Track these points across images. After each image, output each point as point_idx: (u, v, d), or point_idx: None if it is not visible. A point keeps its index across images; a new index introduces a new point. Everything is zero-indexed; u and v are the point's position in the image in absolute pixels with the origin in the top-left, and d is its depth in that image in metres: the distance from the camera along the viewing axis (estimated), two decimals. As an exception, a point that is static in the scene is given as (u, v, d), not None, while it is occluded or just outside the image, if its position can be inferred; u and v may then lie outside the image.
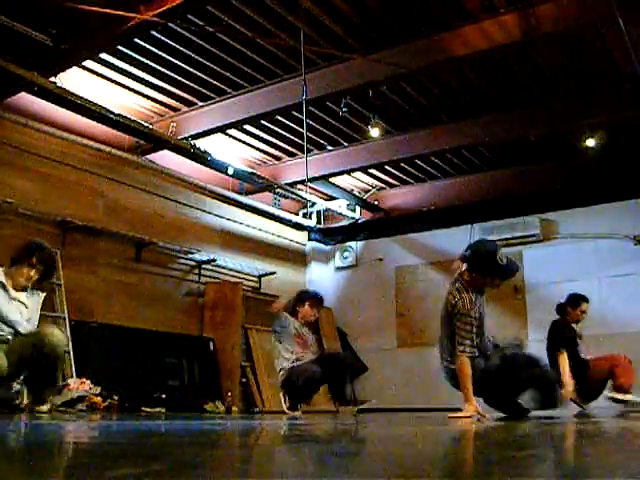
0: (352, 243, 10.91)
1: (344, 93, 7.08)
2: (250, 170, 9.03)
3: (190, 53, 6.65)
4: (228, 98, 7.50)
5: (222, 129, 8.02)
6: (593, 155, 8.56)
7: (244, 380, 8.60)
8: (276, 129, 8.42)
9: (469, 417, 3.93)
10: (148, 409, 6.83)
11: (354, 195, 10.31)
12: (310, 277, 11.15)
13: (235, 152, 9.07)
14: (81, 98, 6.59)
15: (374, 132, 7.94)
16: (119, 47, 6.43)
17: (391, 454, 1.70)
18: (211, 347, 8.54)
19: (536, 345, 6.52)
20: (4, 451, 1.71)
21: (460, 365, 4.15)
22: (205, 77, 7.12)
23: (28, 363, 4.18)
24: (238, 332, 8.63)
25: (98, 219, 7.67)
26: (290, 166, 9.49)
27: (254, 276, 9.90)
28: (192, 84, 7.27)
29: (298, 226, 10.70)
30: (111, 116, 6.90)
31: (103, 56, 6.60)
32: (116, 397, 6.38)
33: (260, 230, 10.16)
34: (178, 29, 6.19)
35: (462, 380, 4.13)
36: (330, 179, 9.62)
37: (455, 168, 9.73)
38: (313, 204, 10.50)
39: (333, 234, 11.04)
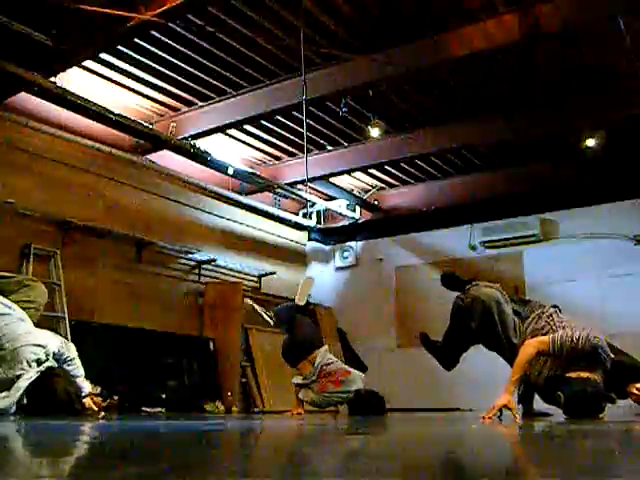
0: (352, 243, 10.91)
1: (344, 93, 7.09)
2: (250, 170, 9.03)
3: (190, 53, 6.65)
4: (228, 98, 7.50)
5: (222, 129, 8.02)
6: (593, 155, 8.56)
7: (244, 380, 8.60)
8: (276, 129, 8.42)
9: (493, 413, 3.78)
10: (148, 409, 6.83)
11: (354, 195, 10.32)
12: (310, 277, 11.13)
13: (235, 152, 9.07)
14: (81, 98, 6.59)
15: (374, 132, 7.94)
16: (119, 47, 6.43)
17: (390, 455, 1.70)
18: (211, 347, 8.54)
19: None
20: (4, 452, 1.71)
21: None
22: (205, 77, 7.12)
23: None
24: (238, 332, 8.63)
25: (98, 219, 7.67)
26: (290, 166, 9.49)
27: (254, 276, 9.90)
28: (192, 84, 7.27)
29: (298, 226, 10.70)
30: (111, 116, 6.90)
31: (103, 56, 6.60)
32: (116, 397, 6.39)
33: (260, 230, 10.16)
34: (178, 29, 6.19)
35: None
36: (330, 179, 9.63)
37: (455, 168, 9.73)
38: (313, 204, 10.50)
39: (333, 234, 11.04)
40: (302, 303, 6.34)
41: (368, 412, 5.69)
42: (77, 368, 4.29)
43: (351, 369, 6.14)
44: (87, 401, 4.42)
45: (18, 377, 3.93)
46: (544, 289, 8.99)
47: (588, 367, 3.90)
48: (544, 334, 4.03)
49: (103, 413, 4.55)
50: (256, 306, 6.37)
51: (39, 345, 4.08)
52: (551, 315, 4.18)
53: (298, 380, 5.95)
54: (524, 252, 9.46)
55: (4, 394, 3.89)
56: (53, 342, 4.18)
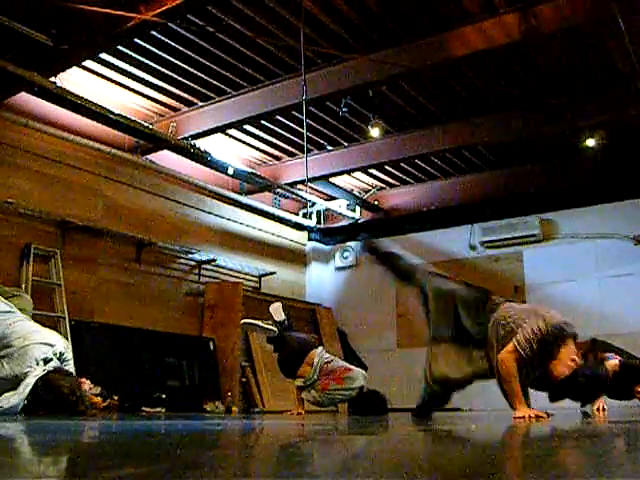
0: (352, 243, 10.91)
1: (344, 93, 7.09)
2: (250, 170, 9.03)
3: (190, 53, 6.66)
4: (228, 98, 7.50)
5: (222, 129, 8.02)
6: (593, 155, 8.56)
7: (244, 380, 8.60)
8: (276, 129, 8.42)
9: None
10: (148, 409, 6.83)
11: (354, 195, 10.32)
12: (310, 277, 11.15)
13: (235, 152, 9.07)
14: (81, 98, 6.59)
15: (374, 132, 7.93)
16: (119, 47, 6.43)
17: (390, 455, 1.70)
18: (211, 347, 8.54)
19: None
20: (4, 452, 1.71)
21: None
22: (205, 77, 7.12)
23: None
24: (238, 332, 8.63)
25: (98, 219, 7.67)
26: (290, 166, 9.49)
27: (254, 276, 9.90)
28: (192, 84, 7.27)
29: (298, 226, 10.70)
30: (111, 116, 6.90)
31: (103, 56, 6.61)
32: (116, 397, 6.39)
33: (260, 230, 10.16)
34: (178, 29, 6.19)
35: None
36: (330, 179, 9.63)
37: (455, 168, 9.73)
38: (313, 204, 10.50)
39: (333, 234, 11.04)
40: (282, 318, 6.32)
41: (370, 412, 5.68)
42: (72, 368, 4.34)
43: (352, 366, 6.14)
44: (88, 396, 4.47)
45: (25, 374, 3.94)
46: (544, 289, 9.00)
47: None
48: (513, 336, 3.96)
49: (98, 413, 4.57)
50: (253, 321, 6.34)
51: (48, 344, 4.11)
52: (510, 316, 4.09)
53: (300, 383, 5.94)
54: (524, 252, 9.46)
55: (11, 393, 3.89)
56: (60, 342, 4.22)
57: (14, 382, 3.92)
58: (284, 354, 6.16)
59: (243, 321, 6.48)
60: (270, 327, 6.22)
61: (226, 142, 8.75)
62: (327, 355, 6.12)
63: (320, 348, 6.18)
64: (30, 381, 3.93)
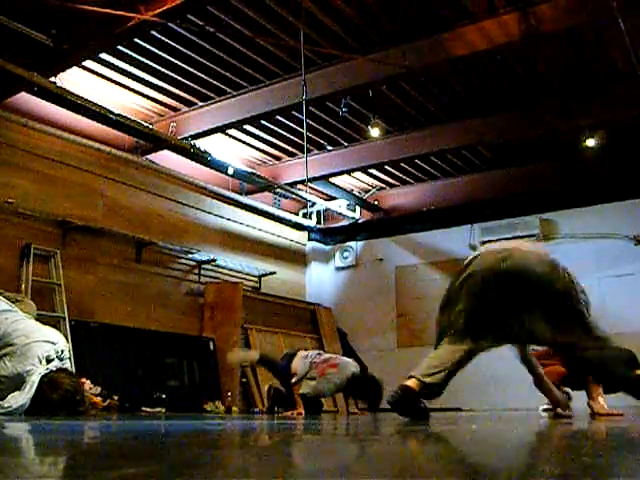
0: (352, 243, 10.91)
1: (344, 93, 7.09)
2: (250, 170, 9.03)
3: (190, 53, 6.66)
4: (228, 98, 7.50)
5: (222, 129, 8.03)
6: (593, 155, 8.56)
7: (244, 380, 8.60)
8: (276, 129, 8.42)
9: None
10: (148, 409, 6.83)
11: (354, 195, 10.32)
12: (310, 277, 11.15)
13: (235, 152, 9.07)
14: (81, 98, 6.59)
15: (374, 132, 7.94)
16: (119, 47, 6.43)
17: (390, 454, 1.70)
18: (211, 347, 8.54)
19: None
20: (4, 452, 1.71)
21: None
22: (205, 77, 7.13)
23: None
24: (238, 332, 8.64)
25: (98, 219, 7.67)
26: (290, 166, 9.49)
27: (254, 276, 9.90)
28: (192, 84, 7.27)
29: (298, 226, 10.70)
30: (111, 116, 6.91)
31: (103, 56, 6.61)
32: (116, 397, 6.39)
33: (260, 230, 10.16)
34: (178, 29, 6.19)
35: None
36: (330, 179, 9.63)
37: (455, 168, 9.73)
38: (313, 204, 10.51)
39: (333, 234, 11.05)
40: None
41: (367, 395, 5.99)
42: (70, 366, 4.36)
43: (338, 356, 6.65)
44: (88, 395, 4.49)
45: (28, 372, 3.95)
46: (544, 289, 8.98)
47: None
48: None
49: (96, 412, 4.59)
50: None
51: (50, 341, 4.12)
52: None
53: (295, 378, 6.18)
54: (524, 252, 9.46)
55: (17, 392, 3.90)
56: (62, 340, 4.24)
57: (17, 380, 3.93)
58: (277, 364, 6.52)
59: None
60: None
61: (226, 142, 8.75)
62: (313, 352, 6.49)
63: (305, 348, 6.66)
64: (35, 379, 3.94)
